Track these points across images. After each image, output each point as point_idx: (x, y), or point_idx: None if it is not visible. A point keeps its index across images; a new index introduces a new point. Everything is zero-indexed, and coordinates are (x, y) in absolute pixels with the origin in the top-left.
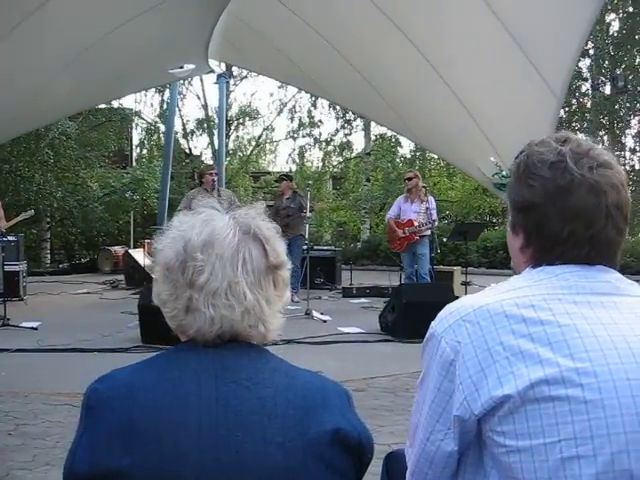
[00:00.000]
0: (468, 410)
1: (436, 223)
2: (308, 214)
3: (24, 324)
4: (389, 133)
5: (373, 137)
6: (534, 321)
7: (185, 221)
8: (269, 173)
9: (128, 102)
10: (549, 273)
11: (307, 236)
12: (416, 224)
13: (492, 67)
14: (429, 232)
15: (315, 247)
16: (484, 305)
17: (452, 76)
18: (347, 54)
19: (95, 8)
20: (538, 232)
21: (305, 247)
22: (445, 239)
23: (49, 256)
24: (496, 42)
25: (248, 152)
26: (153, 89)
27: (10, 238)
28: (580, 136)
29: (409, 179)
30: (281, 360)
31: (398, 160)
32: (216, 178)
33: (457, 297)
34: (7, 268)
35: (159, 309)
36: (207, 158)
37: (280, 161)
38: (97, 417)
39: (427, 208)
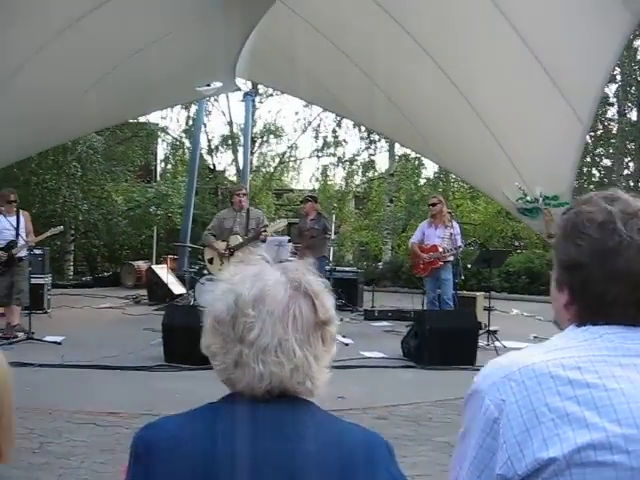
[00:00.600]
0: (512, 470)
1: (461, 249)
2: (333, 236)
3: (48, 338)
4: (413, 154)
5: (397, 158)
6: (580, 383)
7: (236, 274)
8: (292, 190)
9: (154, 117)
10: (593, 333)
11: (331, 258)
12: (440, 249)
13: (519, 92)
14: (452, 257)
15: (337, 268)
16: (529, 365)
17: (479, 101)
18: (375, 77)
19: (127, 26)
20: (583, 291)
21: (328, 268)
22: (469, 265)
23: (72, 268)
24: (523, 68)
25: (272, 169)
26: (179, 105)
27: (36, 252)
28: (628, 195)
29: (433, 204)
30: (326, 413)
31: (421, 182)
32: (244, 199)
33: (480, 324)
34: (32, 281)
35: (182, 328)
36: (231, 174)
37: (303, 179)
38: (144, 466)
39: (451, 234)
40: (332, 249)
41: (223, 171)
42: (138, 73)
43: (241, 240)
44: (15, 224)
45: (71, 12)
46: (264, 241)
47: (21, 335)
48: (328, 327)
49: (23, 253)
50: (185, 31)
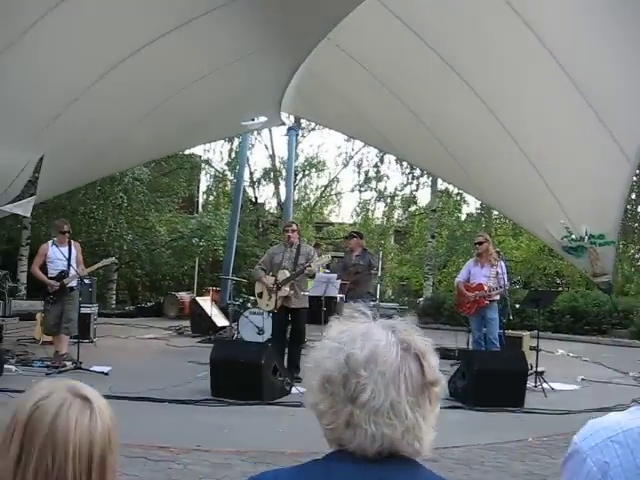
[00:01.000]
0: None
1: (507, 287)
2: (379, 273)
3: (95, 368)
4: (455, 190)
5: (439, 193)
6: None
7: (343, 332)
8: (332, 224)
9: (198, 150)
10: None
11: (377, 295)
12: (486, 288)
13: (565, 130)
14: (498, 297)
15: (381, 304)
16: (634, 427)
17: (524, 138)
18: (419, 112)
19: (177, 61)
20: None
21: (372, 304)
22: (517, 305)
23: (115, 297)
24: (570, 105)
25: (312, 202)
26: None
27: (85, 281)
28: None
29: (480, 243)
30: (432, 473)
31: (463, 217)
32: (292, 235)
33: (529, 365)
34: (81, 311)
35: (230, 363)
36: (272, 207)
37: (343, 212)
38: None
39: (497, 272)
40: (379, 285)
41: (263, 203)
42: (186, 107)
43: (288, 275)
44: (67, 254)
45: (125, 47)
46: (312, 277)
47: (69, 364)
48: (435, 388)
49: (74, 283)
50: (233, 67)
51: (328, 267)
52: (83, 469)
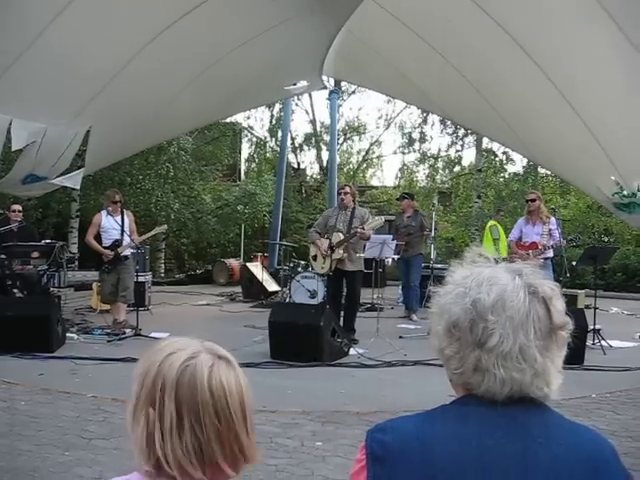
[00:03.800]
0: None
1: (564, 244)
2: (432, 234)
3: (154, 334)
4: (500, 149)
5: (484, 153)
6: None
7: (468, 277)
8: (375, 187)
9: (239, 117)
10: None
11: (432, 255)
12: (540, 246)
13: (617, 85)
14: (551, 254)
15: (434, 265)
16: None
17: (573, 93)
18: (464, 70)
19: (218, 29)
20: None
21: (428, 266)
22: (574, 263)
23: (163, 266)
24: (623, 60)
25: (355, 166)
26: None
27: (140, 250)
28: None
29: (532, 200)
30: (560, 416)
31: (508, 176)
32: (345, 197)
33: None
34: (137, 279)
35: (289, 326)
36: (314, 172)
37: (385, 175)
38: (390, 469)
39: (550, 230)
40: (432, 247)
41: (305, 169)
42: (229, 74)
43: (342, 237)
44: (120, 223)
45: (167, 16)
46: (367, 239)
47: (128, 331)
48: (562, 331)
49: (128, 252)
50: (274, 31)
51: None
52: (242, 426)
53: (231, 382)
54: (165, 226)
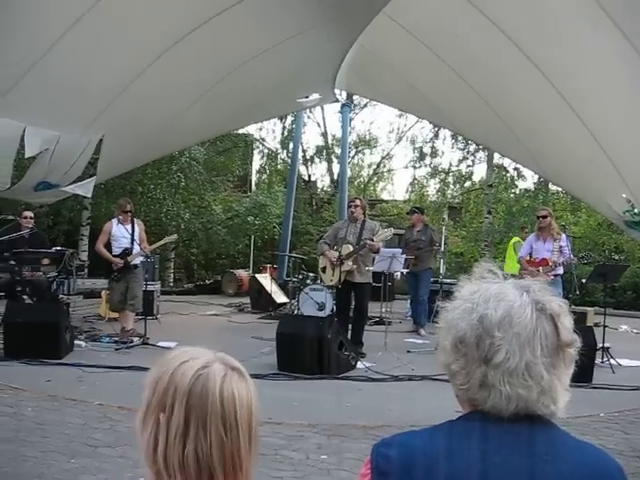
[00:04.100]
0: None
1: (575, 261)
2: (442, 248)
3: (161, 344)
4: (511, 165)
5: (495, 169)
6: None
7: (475, 292)
8: (385, 201)
9: (251, 128)
10: None
11: (442, 270)
12: (550, 263)
13: (628, 101)
14: (561, 271)
15: (444, 280)
16: None
17: (585, 109)
18: (474, 83)
19: (231, 40)
20: None
21: (437, 281)
22: (584, 280)
23: (172, 275)
24: (633, 75)
25: (365, 179)
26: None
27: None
28: None
29: (543, 217)
30: (566, 434)
31: (519, 192)
32: (355, 210)
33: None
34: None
35: (297, 338)
36: (325, 185)
37: (396, 189)
38: None
39: (561, 246)
40: (442, 261)
41: (316, 181)
42: (242, 85)
43: (352, 249)
44: (131, 232)
45: (182, 27)
46: (377, 251)
47: (136, 340)
48: (570, 349)
49: (138, 260)
50: (287, 45)
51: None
52: (246, 440)
53: (242, 394)
54: (175, 236)
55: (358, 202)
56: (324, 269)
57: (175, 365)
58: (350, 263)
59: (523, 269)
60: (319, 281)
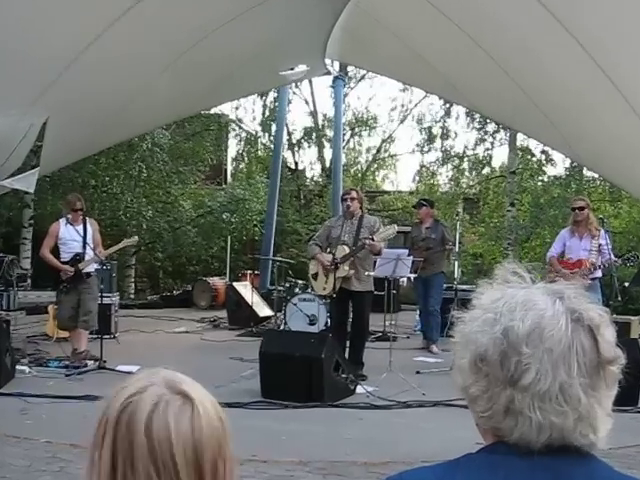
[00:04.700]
0: None
1: (617, 263)
2: (456, 248)
3: (121, 368)
4: (538, 148)
5: (519, 153)
6: None
7: (498, 300)
8: (387, 193)
9: (225, 108)
10: None
11: (456, 274)
12: (588, 265)
13: None
14: (600, 274)
15: (459, 287)
16: None
17: (629, 86)
18: (495, 53)
19: (198, 4)
20: None
21: (451, 287)
22: (627, 284)
23: (133, 286)
24: None
25: (363, 167)
26: (256, 93)
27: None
28: None
29: (580, 209)
30: (609, 467)
31: (547, 180)
32: (351, 204)
33: None
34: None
35: (284, 359)
36: (315, 174)
37: (400, 178)
38: None
39: (600, 245)
40: (457, 264)
41: (304, 170)
42: (213, 57)
43: (348, 251)
44: (82, 234)
45: None
46: (378, 253)
47: (91, 364)
48: (612, 367)
49: (91, 268)
50: (267, 6)
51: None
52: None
53: (182, 426)
54: (136, 237)
55: (354, 194)
56: (315, 276)
57: (115, 392)
58: (346, 268)
59: (554, 270)
60: (310, 290)
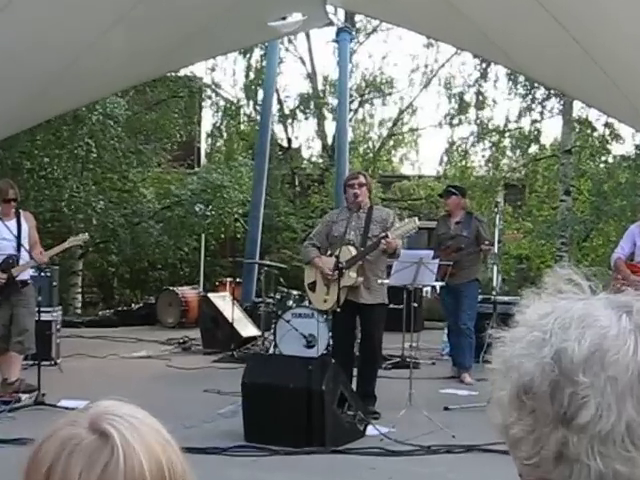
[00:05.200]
0: None
1: None
2: (495, 249)
3: (64, 403)
4: (601, 120)
5: (576, 126)
6: None
7: (548, 315)
8: (406, 178)
9: (198, 69)
10: None
11: (497, 284)
12: None
13: None
14: None
15: (499, 298)
16: None
17: None
18: (546, 1)
19: None
20: None
21: (489, 299)
22: None
23: (80, 297)
24: None
25: (375, 145)
26: (238, 50)
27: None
28: None
29: None
30: None
31: (613, 161)
32: (360, 191)
33: None
34: (40, 317)
35: (274, 391)
36: (313, 153)
37: (423, 159)
38: None
39: None
40: (495, 269)
41: (300, 149)
42: (181, 5)
43: (355, 253)
44: (16, 231)
45: None
46: (394, 254)
47: (25, 398)
48: None
49: (27, 275)
50: None
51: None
52: None
53: (90, 475)
54: (86, 235)
55: (362, 179)
56: (313, 286)
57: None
58: (353, 275)
59: (621, 276)
60: (307, 303)
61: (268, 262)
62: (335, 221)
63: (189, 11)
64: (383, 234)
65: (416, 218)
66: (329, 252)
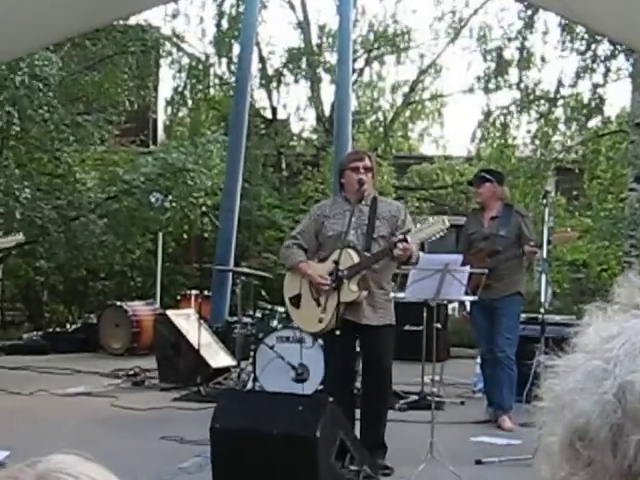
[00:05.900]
0: None
1: None
2: (543, 253)
3: None
4: None
5: None
6: None
7: (614, 338)
8: (428, 159)
9: (154, 17)
10: None
11: (546, 299)
12: None
13: None
14: None
15: (549, 318)
16: None
17: None
18: None
19: None
20: None
21: (536, 318)
22: None
23: None
24: None
25: (387, 116)
26: None
27: None
28: None
29: None
30: None
31: None
32: (365, 177)
33: None
34: None
35: (253, 439)
36: (306, 127)
37: (450, 135)
38: None
39: None
40: (544, 278)
41: (288, 121)
42: None
43: (357, 260)
44: None
45: None
46: (409, 261)
47: None
48: None
49: None
50: None
51: (422, 247)
52: None
53: None
54: (19, 236)
55: (368, 161)
56: (297, 300)
57: None
58: (354, 287)
59: None
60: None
61: (246, 270)
62: (327, 215)
63: None
64: (399, 236)
65: (445, 218)
66: (321, 255)
